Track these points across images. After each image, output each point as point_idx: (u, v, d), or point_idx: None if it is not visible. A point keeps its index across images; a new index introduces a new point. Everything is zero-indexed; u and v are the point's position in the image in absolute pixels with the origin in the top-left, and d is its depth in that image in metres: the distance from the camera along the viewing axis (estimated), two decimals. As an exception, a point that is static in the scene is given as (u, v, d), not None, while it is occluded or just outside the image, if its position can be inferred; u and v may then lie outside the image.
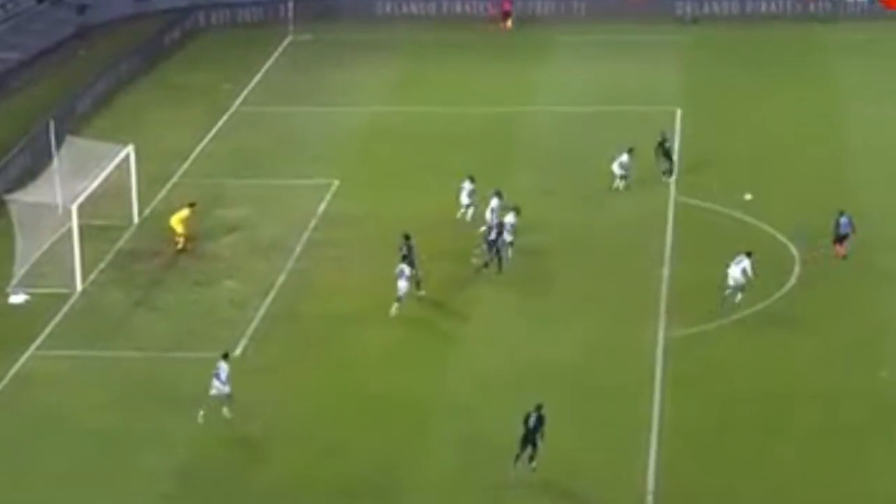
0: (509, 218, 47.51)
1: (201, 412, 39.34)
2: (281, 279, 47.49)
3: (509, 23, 73.47)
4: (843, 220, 47.08)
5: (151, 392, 41.23)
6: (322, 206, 52.83)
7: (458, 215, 49.94)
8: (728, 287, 44.31)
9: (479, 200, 49.66)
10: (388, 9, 75.61)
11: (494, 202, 48.64)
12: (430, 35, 72.41)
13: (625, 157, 52.54)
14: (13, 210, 47.72)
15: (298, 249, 49.59)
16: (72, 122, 60.21)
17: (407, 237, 45.73)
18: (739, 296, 44.40)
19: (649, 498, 36.07)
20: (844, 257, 47.08)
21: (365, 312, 44.93)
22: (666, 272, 47.02)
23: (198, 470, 37.69)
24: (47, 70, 68.53)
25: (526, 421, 36.60)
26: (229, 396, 39.38)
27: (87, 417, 39.99)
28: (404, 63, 68.25)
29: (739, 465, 37.30)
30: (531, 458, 36.70)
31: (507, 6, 73.93)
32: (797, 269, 47.02)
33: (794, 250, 47.89)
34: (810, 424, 38.88)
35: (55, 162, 49.97)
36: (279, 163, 57.05)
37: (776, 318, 44.29)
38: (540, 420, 36.57)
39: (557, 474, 36.94)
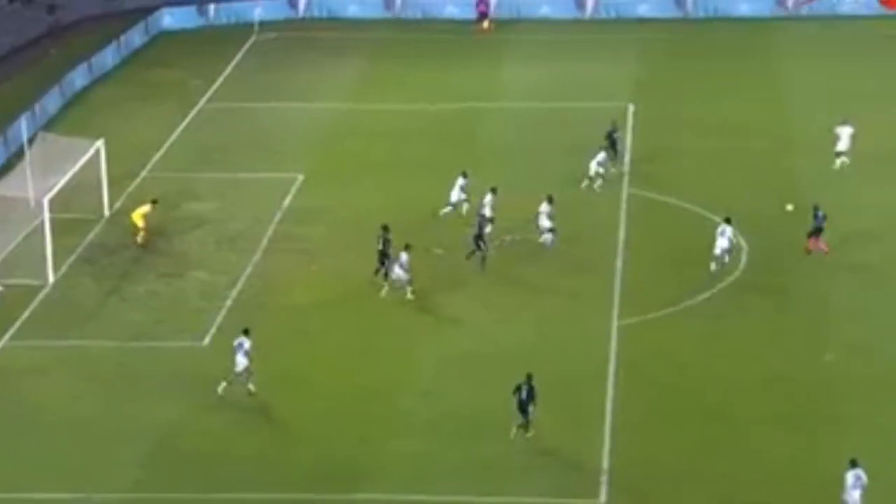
0: (487, 210, 47.89)
1: (223, 384, 39.46)
2: (248, 270, 47.48)
3: (486, 23, 73.31)
4: (820, 213, 46.99)
5: (123, 380, 41.20)
6: (287, 200, 52.79)
7: (443, 212, 49.47)
8: (716, 256, 45.64)
9: (471, 196, 49.42)
10: (356, 11, 75.50)
11: (489, 198, 48.62)
12: (395, 35, 72.36)
13: (602, 156, 52.37)
14: (-14, 205, 47.54)
15: (265, 242, 49.57)
16: (43, 119, 60.00)
17: (385, 228, 45.73)
18: (727, 258, 45.84)
19: (603, 478, 36.27)
20: (826, 252, 46.90)
21: (329, 302, 44.98)
22: (619, 262, 47.21)
23: (168, 456, 37.66)
24: (19, 68, 68.16)
25: (518, 391, 37.23)
26: (252, 372, 39.47)
27: (59, 406, 39.91)
28: (368, 62, 68.18)
29: (689, 448, 37.56)
30: (525, 428, 37.37)
31: (482, 8, 73.86)
32: (744, 258, 47.29)
33: (741, 240, 48.15)
34: (757, 408, 39.16)
35: (27, 157, 49.75)
36: (245, 157, 56.95)
37: (724, 306, 44.56)
38: (531, 390, 37.14)
39: (516, 455, 37.09)
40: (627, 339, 42.59)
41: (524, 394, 37.35)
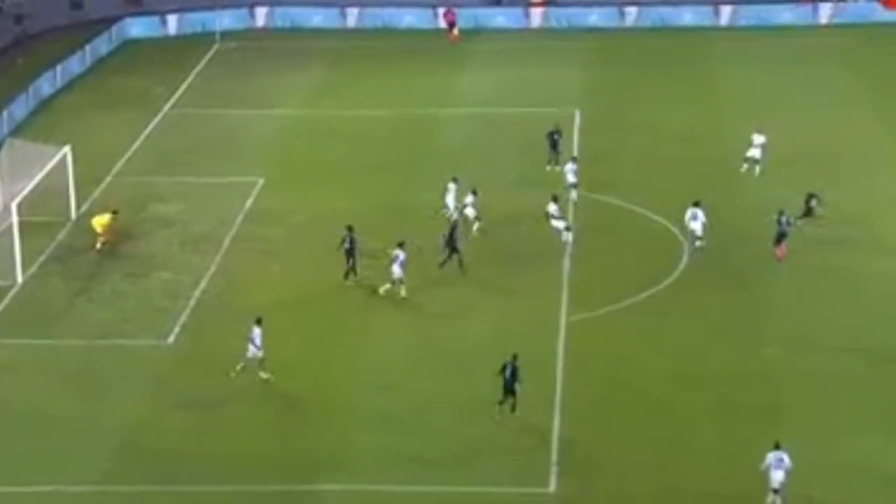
0: (470, 211, 48.47)
1: (238, 366, 39.68)
2: (211, 270, 47.52)
3: (455, 31, 73.45)
4: (783, 219, 47.17)
5: (90, 377, 41.17)
6: (248, 202, 52.83)
7: (447, 215, 49.08)
8: (696, 238, 46.97)
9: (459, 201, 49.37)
10: (316, 21, 75.55)
11: (470, 198, 48.75)
12: (354, 44, 72.46)
13: (572, 164, 52.17)
14: (-44, 208, 47.37)
15: (227, 243, 49.61)
16: (11, 125, 59.76)
17: (350, 228, 45.83)
18: (702, 242, 46.98)
19: (553, 469, 36.57)
20: (780, 259, 47.11)
21: (289, 301, 45.07)
22: (567, 262, 47.51)
23: (135, 450, 37.69)
24: (-13, 76, 67.87)
25: (503, 371, 37.77)
26: (263, 360, 39.70)
27: (29, 402, 39.85)
28: (327, 70, 68.23)
29: (634, 439, 37.89)
30: (513, 408, 37.83)
31: (449, 17, 74.03)
32: (685, 258, 47.70)
33: (682, 240, 48.56)
34: (698, 402, 39.52)
35: (-5, 162, 49.65)
36: (208, 161, 56.92)
37: (665, 303, 44.93)
38: (515, 370, 37.65)
39: (471, 446, 37.35)
40: (575, 335, 42.87)
41: (509, 373, 37.84)
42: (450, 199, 49.62)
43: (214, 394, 39.90)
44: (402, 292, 44.85)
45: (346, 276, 45.81)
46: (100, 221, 48.94)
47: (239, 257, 48.56)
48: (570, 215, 49.78)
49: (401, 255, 44.67)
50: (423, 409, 39.01)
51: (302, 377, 40.96)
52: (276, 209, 52.11)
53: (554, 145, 54.60)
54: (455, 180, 50.18)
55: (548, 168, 54.23)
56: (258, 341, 39.91)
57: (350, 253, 45.63)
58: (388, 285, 44.91)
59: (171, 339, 43.08)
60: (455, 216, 48.64)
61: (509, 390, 37.93)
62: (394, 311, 44.57)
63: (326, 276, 46.07)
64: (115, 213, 49.48)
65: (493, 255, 47.94)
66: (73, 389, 40.53)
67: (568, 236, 48.07)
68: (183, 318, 44.32)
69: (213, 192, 53.84)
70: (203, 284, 46.51)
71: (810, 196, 48.86)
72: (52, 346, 42.85)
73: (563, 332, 43.09)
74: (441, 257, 46.38)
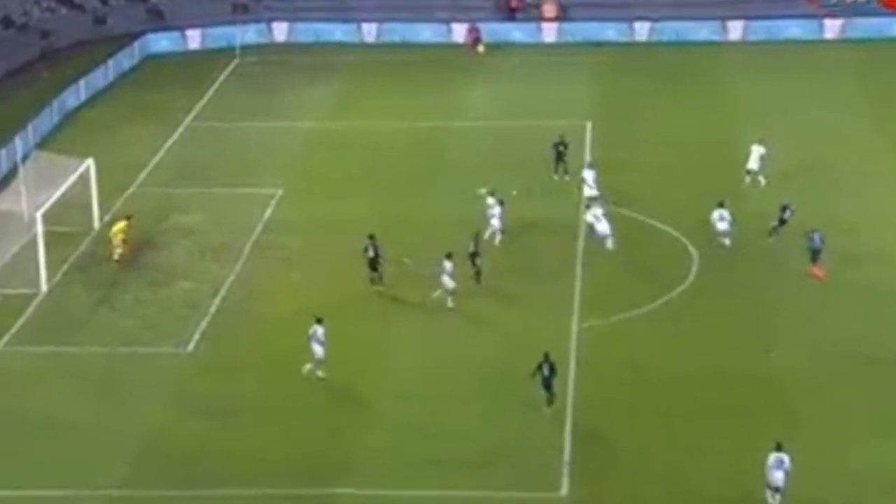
0: (496, 222, 48.53)
1: (308, 366, 39.81)
2: (230, 279, 47.30)
3: (480, 47, 73.31)
4: (816, 236, 46.26)
5: (112, 384, 40.98)
6: (267, 213, 52.63)
7: (488, 235, 48.58)
8: (724, 232, 47.59)
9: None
10: (334, 36, 75.39)
11: (497, 210, 48.49)
12: (372, 58, 72.32)
13: (592, 172, 51.78)
14: (-17, 219, 47.31)
15: (246, 252, 49.42)
16: (37, 138, 59.69)
17: (371, 237, 45.63)
18: (728, 240, 47.55)
19: (565, 469, 36.24)
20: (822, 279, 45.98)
21: (309, 309, 44.46)
22: (579, 269, 47.19)
23: (155, 455, 37.49)
24: (14, 90, 67.83)
25: (539, 369, 38.04)
26: (322, 360, 39.79)
27: (51, 408, 39.70)
28: (345, 84, 68.08)
29: (645, 443, 37.57)
30: (549, 402, 38.43)
31: (473, 34, 73.96)
32: (695, 267, 47.32)
33: (692, 248, 48.20)
34: (710, 407, 39.17)
35: (21, 173, 49.50)
36: (227, 173, 56.73)
37: (678, 310, 44.59)
38: (552, 368, 38.17)
39: (487, 450, 37.05)
40: (587, 341, 42.54)
41: (546, 370, 38.17)
42: (495, 219, 48.80)
43: (233, 401, 39.67)
44: (450, 303, 44.42)
45: (373, 282, 45.63)
46: (117, 229, 48.85)
47: (258, 266, 48.36)
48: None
49: (448, 265, 44.25)
50: (440, 413, 38.74)
51: (321, 383, 40.61)
52: (294, 219, 51.92)
53: (559, 156, 54.41)
54: (492, 194, 49.48)
55: (555, 178, 53.97)
56: (320, 340, 39.92)
57: (374, 261, 45.39)
58: (439, 291, 44.48)
59: (190, 346, 42.87)
60: (497, 227, 48.09)
61: (547, 386, 38.31)
62: (412, 320, 44.27)
63: (346, 285, 45.84)
64: (128, 217, 49.29)
65: (508, 264, 47.59)
66: (94, 396, 40.35)
67: (610, 240, 47.70)
68: (203, 326, 44.11)
69: (232, 202, 53.67)
70: (223, 293, 46.31)
71: (784, 207, 48.22)
72: (74, 354, 42.68)
73: (575, 338, 42.76)
74: (470, 269, 45.77)
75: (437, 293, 44.66)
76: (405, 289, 45.71)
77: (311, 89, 67.39)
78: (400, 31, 75.27)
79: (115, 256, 48.45)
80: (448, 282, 44.49)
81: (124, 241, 48.43)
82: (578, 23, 75.26)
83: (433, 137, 60.30)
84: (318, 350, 40.12)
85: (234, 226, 51.42)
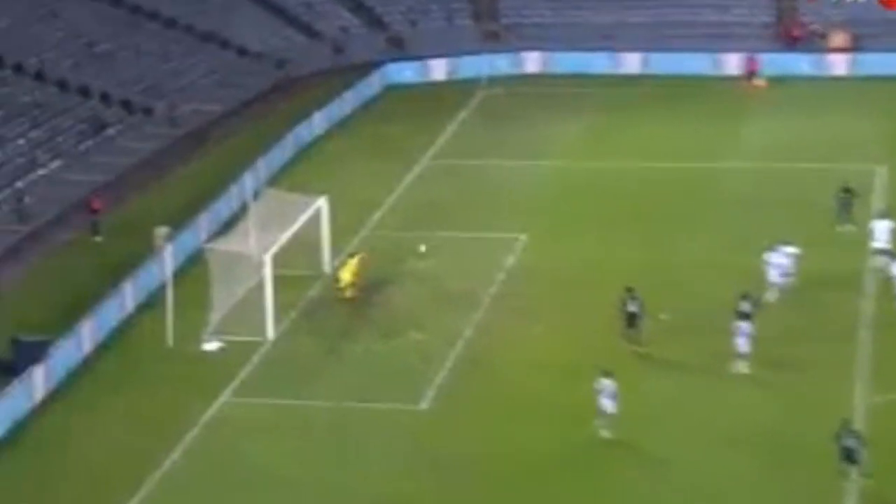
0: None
1: (597, 423, 39.75)
2: (468, 331, 47.40)
3: (759, 80, 72.63)
4: None
5: (338, 441, 41.29)
6: (510, 260, 52.70)
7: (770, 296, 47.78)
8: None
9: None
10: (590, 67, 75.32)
11: (786, 260, 47.55)
12: (628, 91, 72.03)
13: (887, 223, 50.07)
14: (210, 259, 48.49)
15: (486, 302, 49.48)
16: (269, 173, 61.23)
17: (630, 290, 45.33)
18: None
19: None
20: None
21: (552, 365, 44.49)
22: (866, 332, 45.69)
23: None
24: (247, 122, 69.85)
25: (837, 439, 37.20)
26: (613, 416, 39.78)
27: (275, 464, 40.22)
28: (600, 119, 67.96)
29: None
30: (864, 475, 37.06)
31: (752, 65, 73.36)
32: None
33: None
34: None
35: (250, 212, 50.72)
36: (468, 216, 57.06)
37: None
38: (856, 435, 37.31)
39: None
40: (880, 419, 40.56)
41: (850, 441, 37.04)
42: (784, 262, 47.74)
43: (470, 461, 39.55)
44: (745, 369, 43.61)
45: (628, 340, 45.23)
46: (350, 269, 49.60)
47: (499, 317, 48.34)
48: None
49: (743, 326, 43.51)
50: (718, 484, 37.78)
51: (565, 445, 40.19)
52: (539, 267, 51.83)
53: (845, 205, 52.85)
54: (788, 243, 48.36)
55: (838, 229, 52.48)
56: (611, 395, 39.77)
57: (633, 316, 45.03)
58: (741, 362, 43.66)
59: (424, 403, 43.06)
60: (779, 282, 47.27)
61: (851, 459, 36.99)
62: (667, 381, 43.44)
63: (595, 340, 45.47)
64: (353, 255, 50.06)
65: (785, 323, 46.27)
66: (319, 452, 40.76)
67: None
68: (437, 381, 44.26)
69: (472, 247, 53.90)
70: (459, 345, 46.43)
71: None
72: (299, 407, 43.29)
73: (864, 414, 41.05)
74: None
75: (735, 366, 43.59)
76: (662, 347, 45.02)
77: (563, 125, 67.50)
78: (665, 63, 74.72)
79: (348, 295, 49.10)
80: (742, 344, 43.45)
81: (354, 281, 49.13)
82: (872, 53, 73.34)
83: (698, 180, 59.60)
84: (609, 405, 39.86)
85: (473, 273, 51.61)
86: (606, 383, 39.97)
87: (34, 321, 48.14)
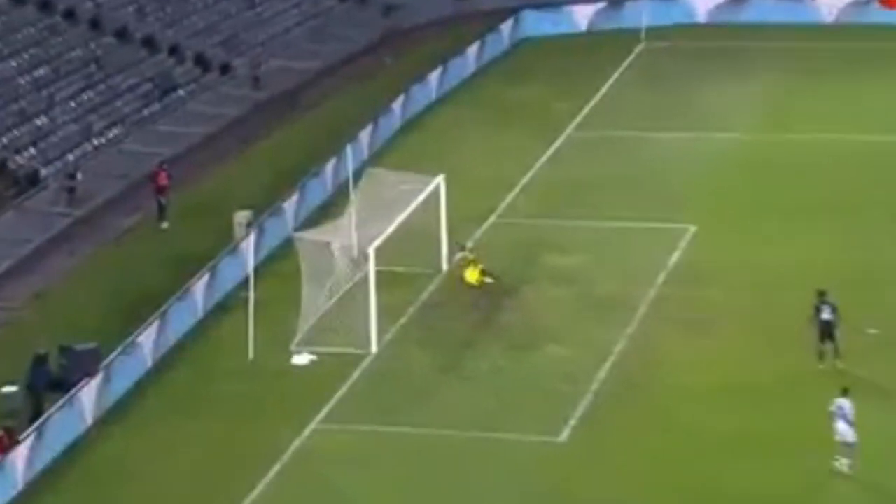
0: None
1: (840, 460, 39.85)
2: (620, 346, 47.43)
3: None
4: None
5: (456, 478, 41.43)
6: (674, 256, 52.78)
7: None
8: None
9: None
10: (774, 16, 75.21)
11: None
12: (820, 45, 71.61)
13: None
14: (301, 252, 48.76)
15: (643, 309, 49.49)
16: (373, 147, 61.48)
17: (822, 294, 45.21)
18: None
19: None
20: None
21: (724, 389, 44.39)
22: None
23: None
24: (348, 83, 70.22)
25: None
26: (853, 445, 39.84)
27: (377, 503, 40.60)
28: (787, 81, 67.77)
29: None
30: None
31: None
32: None
33: None
34: None
35: (351, 196, 50.96)
36: (620, 201, 57.24)
37: None
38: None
39: None
40: None
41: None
42: None
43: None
44: None
45: (822, 356, 45.09)
46: (474, 271, 50.32)
47: (659, 329, 48.36)
48: None
49: None
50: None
51: (730, 489, 39.89)
52: (711, 266, 51.87)
53: None
54: None
55: None
56: (849, 419, 39.72)
57: (829, 326, 44.87)
58: None
59: (564, 434, 43.07)
60: None
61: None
62: (884, 408, 43.06)
63: (783, 357, 45.34)
64: (463, 247, 50.95)
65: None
66: (433, 492, 40.88)
67: None
68: (581, 408, 44.26)
69: (626, 240, 54.09)
70: (609, 364, 46.42)
71: None
72: (409, 435, 43.46)
73: None
74: None
75: None
76: (869, 367, 44.63)
77: (740, 87, 67.74)
78: (869, 12, 74.15)
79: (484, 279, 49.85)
80: None
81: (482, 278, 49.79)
82: None
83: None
84: (846, 431, 39.76)
85: (626, 272, 51.72)
86: (843, 404, 39.79)
87: (87, 326, 48.84)
